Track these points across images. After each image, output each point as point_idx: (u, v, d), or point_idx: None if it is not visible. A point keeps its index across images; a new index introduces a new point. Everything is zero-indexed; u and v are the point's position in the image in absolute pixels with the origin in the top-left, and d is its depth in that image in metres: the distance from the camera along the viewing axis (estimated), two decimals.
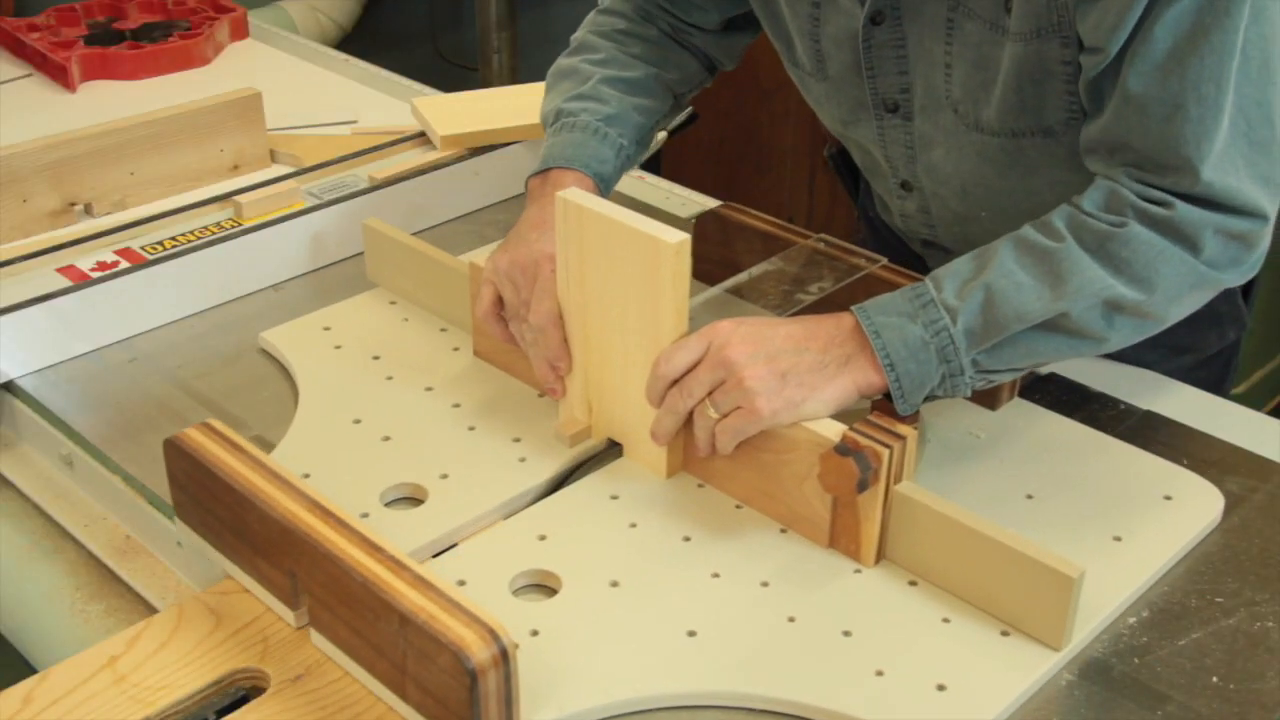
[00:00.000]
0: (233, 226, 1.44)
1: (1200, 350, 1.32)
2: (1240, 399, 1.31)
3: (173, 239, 1.41)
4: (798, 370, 1.01)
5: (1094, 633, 0.97)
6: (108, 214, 1.49)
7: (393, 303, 1.36)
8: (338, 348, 1.29)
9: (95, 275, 1.34)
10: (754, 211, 1.37)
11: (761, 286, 1.23)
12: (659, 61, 1.33)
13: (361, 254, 1.45)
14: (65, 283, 1.32)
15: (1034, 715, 0.92)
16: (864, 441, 0.98)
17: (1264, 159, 1.02)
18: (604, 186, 1.25)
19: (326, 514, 0.93)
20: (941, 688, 0.92)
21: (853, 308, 1.04)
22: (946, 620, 0.98)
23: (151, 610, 1.06)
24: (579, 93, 1.29)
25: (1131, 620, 0.99)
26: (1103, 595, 0.99)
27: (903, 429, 0.99)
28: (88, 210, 1.49)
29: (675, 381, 1.04)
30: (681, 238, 1.00)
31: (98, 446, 1.17)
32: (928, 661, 0.94)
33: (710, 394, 1.02)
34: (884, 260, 1.24)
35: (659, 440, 1.07)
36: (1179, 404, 1.23)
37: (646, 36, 1.34)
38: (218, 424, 1.03)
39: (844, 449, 0.98)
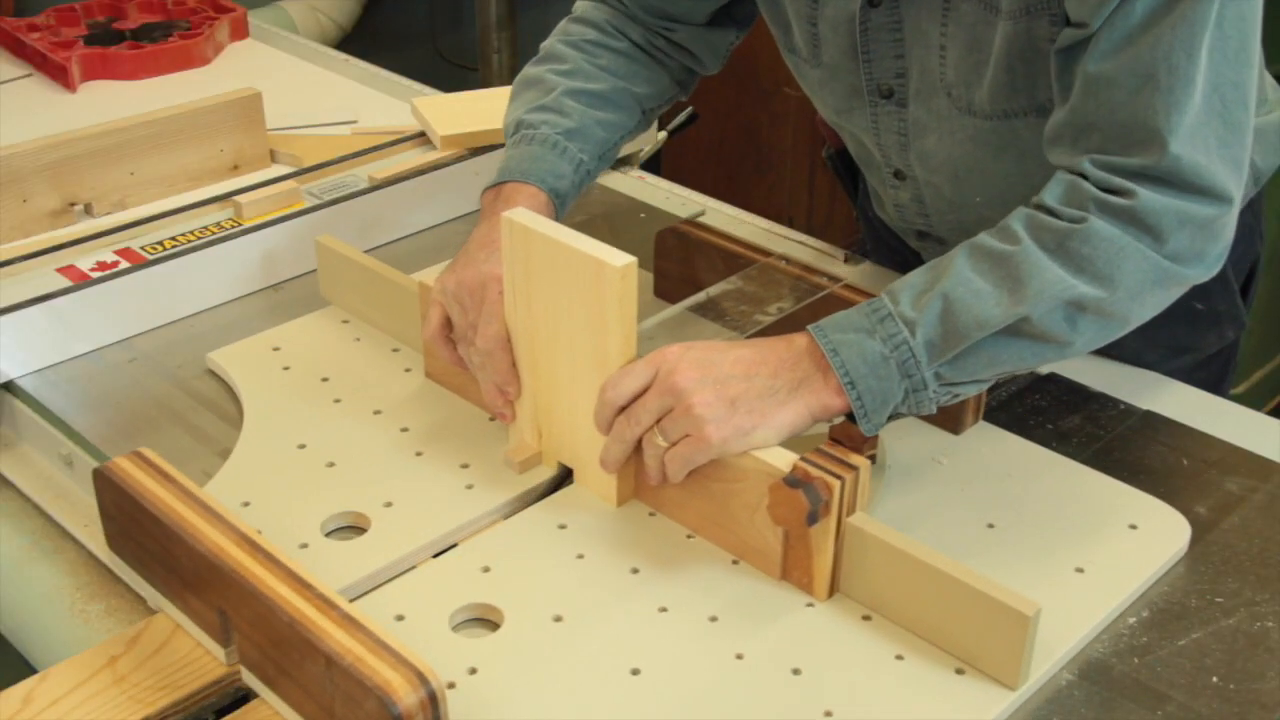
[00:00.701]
0: (233, 226, 1.44)
1: (1199, 350, 1.32)
2: (1240, 399, 1.31)
3: (173, 239, 1.41)
4: (747, 396, 0.98)
5: (1051, 671, 0.94)
6: (108, 214, 1.49)
7: (345, 322, 1.33)
8: (286, 369, 1.25)
9: (95, 275, 1.34)
10: (715, 228, 1.36)
11: (722, 305, 1.21)
12: (627, 75, 1.31)
13: (366, 253, 1.47)
14: (65, 283, 1.32)
15: (1034, 715, 0.92)
16: (815, 472, 0.95)
17: (1236, 141, 1.00)
18: (559, 202, 1.22)
19: (255, 548, 0.91)
20: None
21: (809, 327, 1.01)
22: (900, 657, 0.94)
23: (151, 610, 1.06)
24: (541, 104, 1.26)
25: (1131, 620, 0.99)
26: (1062, 630, 0.96)
27: (855, 459, 0.96)
28: (88, 210, 1.49)
29: (623, 408, 1.01)
30: (627, 261, 0.98)
31: (98, 446, 1.17)
32: (878, 702, 0.91)
33: (659, 421, 1.00)
34: (844, 280, 1.22)
35: (608, 469, 1.05)
36: (1179, 404, 1.23)
37: (616, 48, 1.31)
38: (149, 453, 1.00)
39: (793, 481, 0.95)
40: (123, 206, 1.50)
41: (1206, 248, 1.01)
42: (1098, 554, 1.03)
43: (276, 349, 1.29)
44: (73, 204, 1.47)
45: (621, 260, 0.98)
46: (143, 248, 1.39)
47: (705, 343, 1.02)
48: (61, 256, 1.37)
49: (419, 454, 1.14)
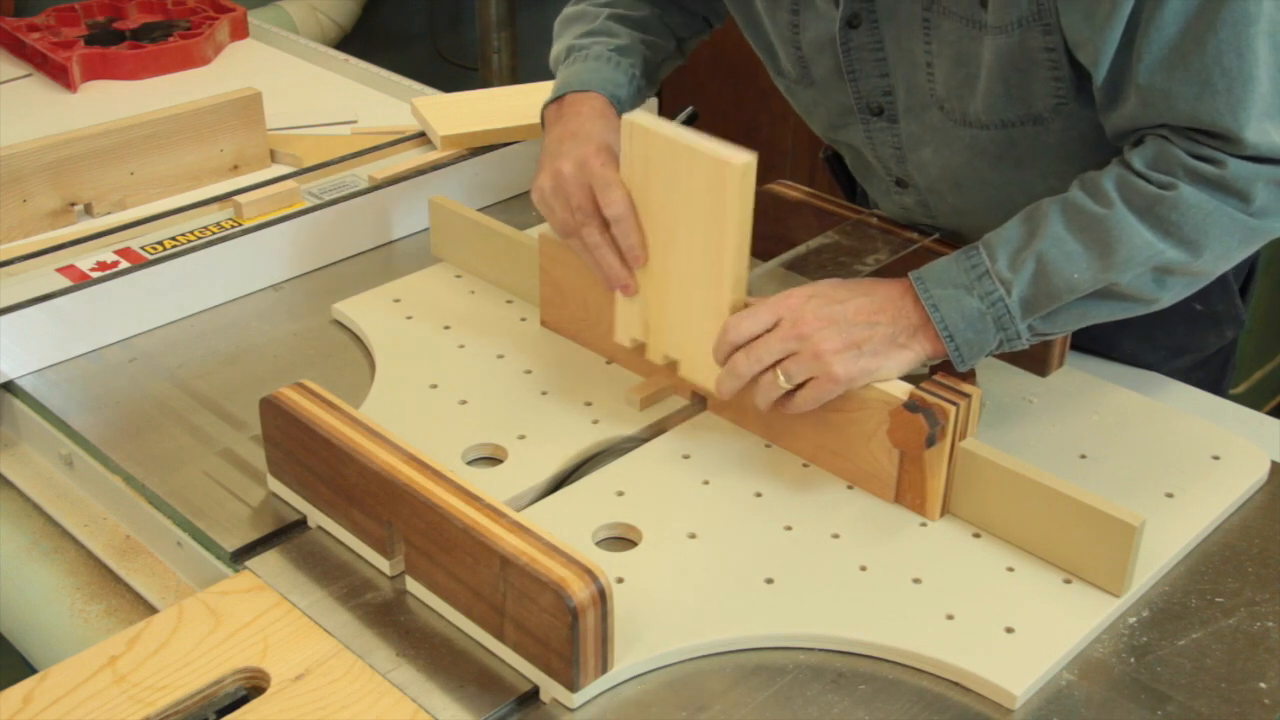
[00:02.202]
0: (233, 226, 1.44)
1: (1199, 350, 1.32)
2: (1240, 399, 1.31)
3: (173, 239, 1.41)
4: (871, 341, 1.05)
5: (1149, 583, 1.01)
6: (108, 214, 1.49)
7: (458, 276, 1.40)
8: (409, 318, 1.33)
9: (95, 275, 1.33)
10: (805, 188, 1.40)
11: (818, 260, 1.27)
12: (663, 4, 1.37)
13: (365, 253, 1.48)
14: (65, 283, 1.32)
15: (1034, 715, 0.92)
16: (932, 399, 1.02)
17: None
18: (620, 109, 1.26)
19: (424, 466, 0.98)
20: (1010, 630, 0.96)
21: (911, 276, 1.07)
22: (1011, 569, 1.02)
23: (151, 610, 1.06)
24: (589, 29, 1.32)
25: (1131, 620, 0.99)
26: (1158, 546, 1.03)
27: (967, 388, 1.03)
28: (88, 210, 1.49)
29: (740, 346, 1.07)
30: (748, 159, 1.03)
31: (98, 446, 1.17)
32: (995, 606, 0.99)
33: (781, 362, 1.05)
34: (937, 234, 1.28)
35: (723, 396, 1.10)
36: (1179, 404, 1.23)
37: None
38: (311, 384, 1.06)
39: (913, 406, 1.02)
40: (123, 206, 1.50)
41: None
42: (1185, 482, 1.11)
43: (397, 300, 1.36)
44: (73, 204, 1.47)
45: (742, 158, 1.02)
46: (143, 248, 1.39)
47: (825, 290, 1.07)
48: (61, 256, 1.37)
49: (544, 393, 1.22)
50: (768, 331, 1.06)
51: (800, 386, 1.06)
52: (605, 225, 1.13)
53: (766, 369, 1.06)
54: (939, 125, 1.17)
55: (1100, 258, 1.02)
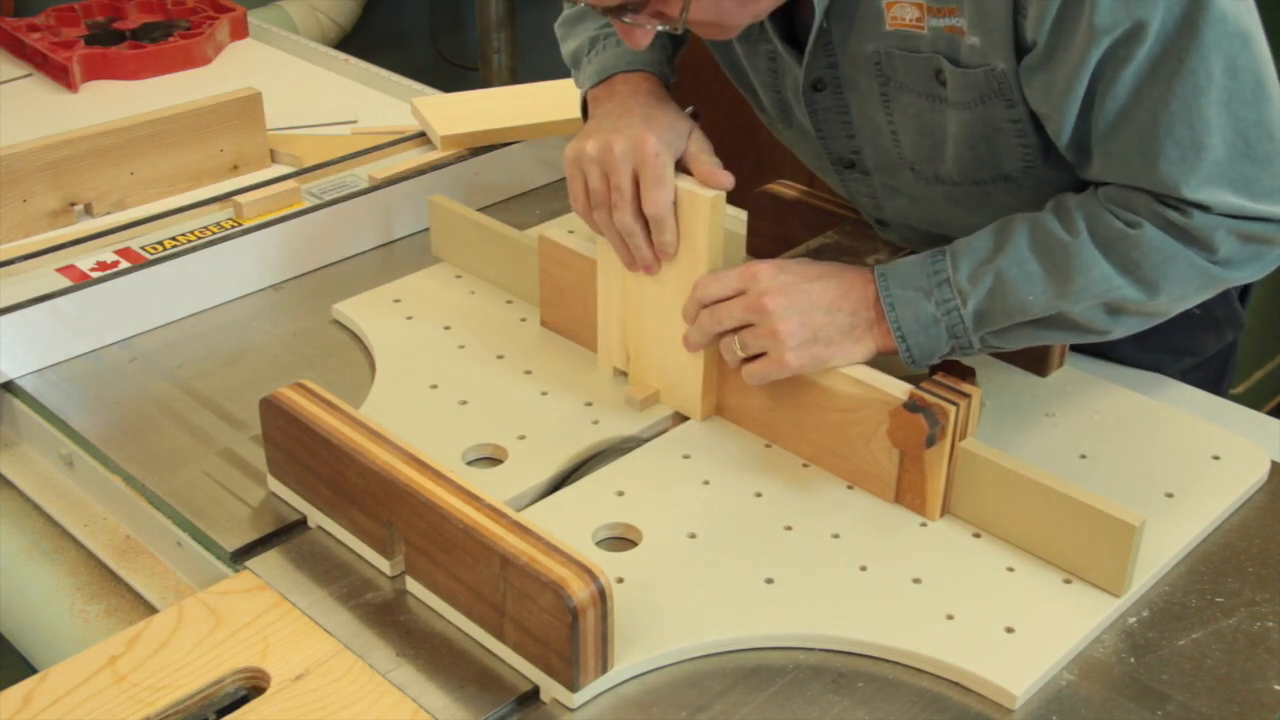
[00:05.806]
0: (233, 226, 1.44)
1: (1198, 353, 1.32)
2: (1240, 399, 1.31)
3: (173, 239, 1.41)
4: (828, 329, 1.06)
5: (1149, 583, 1.02)
6: (108, 214, 1.49)
7: (458, 276, 1.40)
8: (409, 318, 1.33)
9: (95, 275, 1.34)
10: (804, 188, 1.41)
11: (817, 260, 1.26)
12: None
13: (365, 253, 1.48)
14: (65, 283, 1.32)
15: (1034, 715, 0.92)
16: (932, 399, 1.02)
17: (1266, 173, 1.01)
18: (667, 86, 1.24)
19: (424, 466, 0.98)
20: (1010, 630, 0.97)
21: (876, 272, 1.07)
22: (1011, 569, 1.02)
23: (151, 610, 1.07)
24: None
25: (1132, 620, 0.99)
26: (1158, 546, 1.03)
27: (967, 388, 1.03)
28: (88, 210, 1.49)
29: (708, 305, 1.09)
30: (717, 192, 1.08)
31: (98, 446, 1.17)
32: (995, 606, 0.99)
33: (740, 329, 1.07)
34: None
35: (690, 349, 1.14)
36: (1179, 404, 1.23)
37: None
38: (311, 384, 1.07)
39: (913, 406, 1.02)
40: (123, 206, 1.50)
41: (1262, 251, 1.03)
42: (1186, 481, 1.11)
43: (397, 300, 1.37)
44: (73, 204, 1.47)
45: (712, 192, 1.09)
46: (143, 248, 1.39)
47: (794, 266, 1.09)
48: (61, 256, 1.37)
49: (544, 393, 1.22)
50: (733, 296, 1.07)
51: (756, 356, 1.07)
52: (640, 211, 1.11)
53: (727, 331, 1.09)
54: (911, 181, 1.18)
55: (1057, 284, 1.02)
